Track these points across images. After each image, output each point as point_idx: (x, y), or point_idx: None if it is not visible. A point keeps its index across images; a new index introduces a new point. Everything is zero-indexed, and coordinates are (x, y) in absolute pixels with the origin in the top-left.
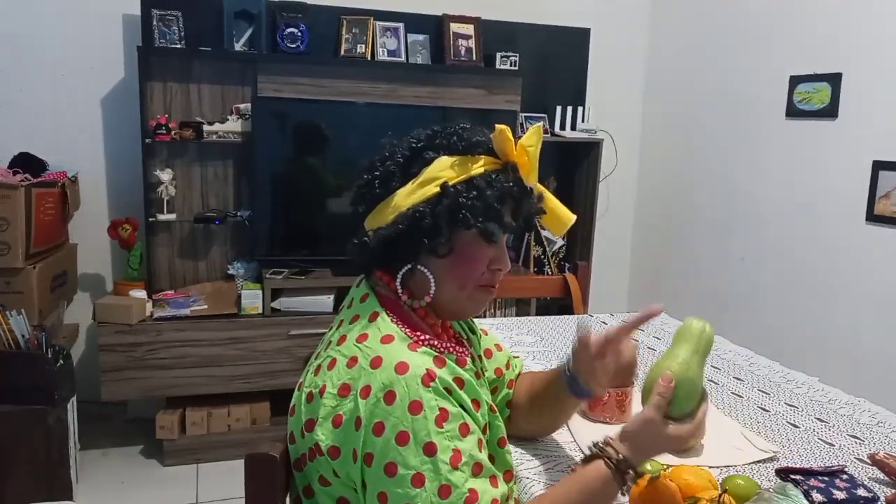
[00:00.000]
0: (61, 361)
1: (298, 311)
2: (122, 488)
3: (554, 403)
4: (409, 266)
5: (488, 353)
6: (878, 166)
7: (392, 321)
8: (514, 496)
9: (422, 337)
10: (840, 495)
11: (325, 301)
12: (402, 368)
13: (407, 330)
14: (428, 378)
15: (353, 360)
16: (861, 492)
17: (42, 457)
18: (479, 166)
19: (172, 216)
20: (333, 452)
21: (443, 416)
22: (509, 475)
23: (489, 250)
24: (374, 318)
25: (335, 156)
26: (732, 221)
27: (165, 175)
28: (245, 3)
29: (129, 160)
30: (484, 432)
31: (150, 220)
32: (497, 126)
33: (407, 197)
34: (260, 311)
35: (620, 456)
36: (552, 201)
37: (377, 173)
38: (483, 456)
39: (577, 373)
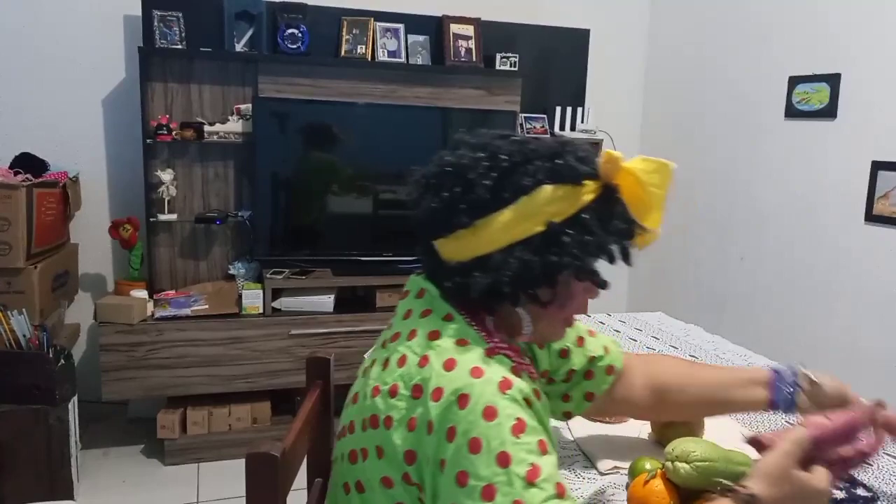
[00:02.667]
0: (62, 361)
1: (299, 311)
2: (123, 488)
3: (728, 403)
4: (502, 308)
5: (564, 353)
6: (877, 166)
7: (467, 322)
8: None
9: (499, 344)
10: (839, 495)
11: (326, 301)
12: (477, 373)
13: (483, 334)
14: (505, 385)
15: (424, 360)
16: (860, 491)
17: (43, 456)
18: (585, 194)
19: (173, 216)
20: (409, 457)
21: (520, 427)
22: None
23: (588, 283)
24: (448, 318)
25: (336, 156)
26: (732, 221)
27: (166, 175)
28: (245, 4)
29: (130, 160)
30: None
31: (151, 220)
32: (606, 152)
33: (504, 231)
34: (261, 310)
35: (752, 493)
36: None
37: (456, 190)
38: (563, 480)
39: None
